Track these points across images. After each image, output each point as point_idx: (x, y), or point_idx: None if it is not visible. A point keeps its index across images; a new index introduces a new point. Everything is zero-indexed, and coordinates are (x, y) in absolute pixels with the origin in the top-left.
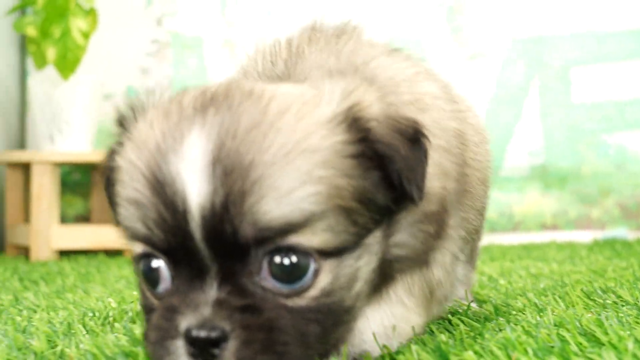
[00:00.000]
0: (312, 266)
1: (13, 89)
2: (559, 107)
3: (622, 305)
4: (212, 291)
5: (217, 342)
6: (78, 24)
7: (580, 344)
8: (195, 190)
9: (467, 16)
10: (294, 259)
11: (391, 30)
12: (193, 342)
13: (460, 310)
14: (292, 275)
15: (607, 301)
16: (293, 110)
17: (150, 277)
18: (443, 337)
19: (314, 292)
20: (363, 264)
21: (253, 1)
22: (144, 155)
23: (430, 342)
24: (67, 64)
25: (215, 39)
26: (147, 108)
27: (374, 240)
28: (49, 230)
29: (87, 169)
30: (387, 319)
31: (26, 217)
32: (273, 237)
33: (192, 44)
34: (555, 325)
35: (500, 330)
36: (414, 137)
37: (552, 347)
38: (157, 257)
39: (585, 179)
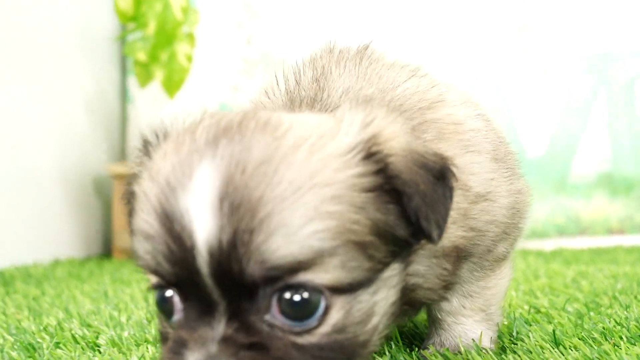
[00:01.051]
0: (323, 303)
1: (116, 106)
2: (624, 118)
3: None
4: (219, 327)
5: None
6: (183, 48)
7: None
8: (202, 227)
9: (537, 34)
10: (305, 295)
11: (464, 49)
12: None
13: (558, 307)
14: (302, 312)
15: None
16: (308, 142)
17: (164, 308)
18: (550, 327)
19: (325, 328)
20: (380, 298)
21: (334, 23)
22: (155, 188)
23: (541, 331)
24: (173, 85)
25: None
26: (169, 134)
27: (393, 273)
28: None
29: None
30: (477, 327)
31: None
32: (282, 276)
33: (279, 62)
34: None
35: (595, 324)
36: (440, 174)
37: None
38: (169, 288)
39: None
